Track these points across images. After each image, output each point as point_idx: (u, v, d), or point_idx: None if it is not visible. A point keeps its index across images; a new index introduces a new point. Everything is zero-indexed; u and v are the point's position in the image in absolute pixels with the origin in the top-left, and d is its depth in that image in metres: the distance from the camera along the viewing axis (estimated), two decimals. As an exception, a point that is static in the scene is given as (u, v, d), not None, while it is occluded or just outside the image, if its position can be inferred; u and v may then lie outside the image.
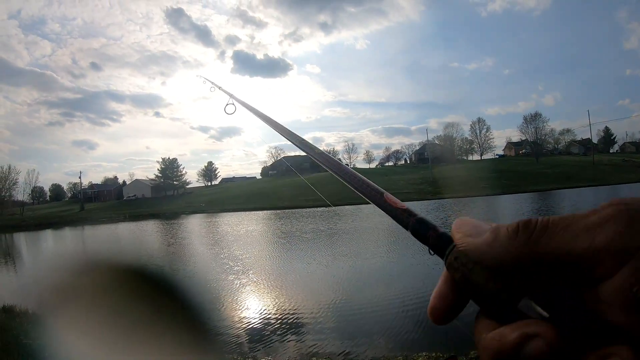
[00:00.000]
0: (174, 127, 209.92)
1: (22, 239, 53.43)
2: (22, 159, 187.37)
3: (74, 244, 43.38)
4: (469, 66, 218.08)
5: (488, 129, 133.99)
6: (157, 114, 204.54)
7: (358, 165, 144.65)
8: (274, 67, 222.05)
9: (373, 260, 19.20)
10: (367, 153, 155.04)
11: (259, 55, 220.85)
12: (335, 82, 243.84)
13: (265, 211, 64.81)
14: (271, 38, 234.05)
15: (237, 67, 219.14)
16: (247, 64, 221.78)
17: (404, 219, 0.60)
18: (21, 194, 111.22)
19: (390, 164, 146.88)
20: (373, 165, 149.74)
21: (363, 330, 9.90)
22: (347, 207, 44.85)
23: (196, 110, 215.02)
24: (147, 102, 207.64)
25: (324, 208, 51.88)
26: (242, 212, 66.38)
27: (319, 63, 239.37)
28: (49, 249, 41.40)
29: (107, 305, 0.96)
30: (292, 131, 1.16)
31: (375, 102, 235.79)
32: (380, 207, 0.66)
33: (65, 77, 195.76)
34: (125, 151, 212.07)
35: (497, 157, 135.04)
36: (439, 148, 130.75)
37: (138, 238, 41.93)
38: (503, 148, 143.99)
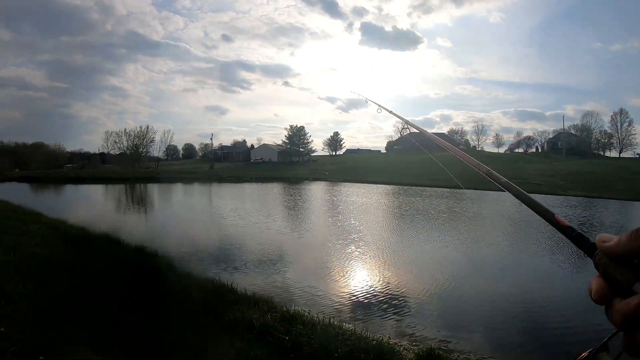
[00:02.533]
0: (302, 97, 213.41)
1: (154, 189, 56.92)
2: (160, 120, 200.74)
3: (201, 197, 44.91)
4: (613, 47, 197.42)
5: (630, 123, 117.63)
6: (285, 84, 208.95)
7: (486, 149, 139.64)
8: (402, 40, 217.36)
9: (497, 251, 17.77)
10: (497, 137, 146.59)
11: (387, 27, 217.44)
12: (467, 57, 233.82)
13: (387, 185, 63.33)
14: (399, 9, 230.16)
15: (365, 39, 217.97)
16: (375, 35, 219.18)
17: (569, 233, 0.84)
18: (157, 151, 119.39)
19: (520, 150, 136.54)
20: (502, 150, 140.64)
21: (466, 323, 9.41)
22: (472, 190, 43.22)
23: (324, 81, 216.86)
24: (276, 72, 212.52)
25: (449, 189, 49.93)
26: (364, 184, 65.93)
27: (450, 36, 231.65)
28: (178, 200, 43.11)
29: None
30: (473, 158, 1.24)
31: (509, 81, 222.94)
32: (552, 225, 0.88)
33: (198, 48, 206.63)
34: (255, 117, 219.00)
35: (637, 156, 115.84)
36: (574, 139, 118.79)
37: (262, 198, 42.47)
38: None
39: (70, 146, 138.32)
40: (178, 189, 58.42)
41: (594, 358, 0.81)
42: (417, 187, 57.97)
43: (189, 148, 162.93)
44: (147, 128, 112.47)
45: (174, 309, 6.28)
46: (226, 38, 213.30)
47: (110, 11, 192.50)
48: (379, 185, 63.07)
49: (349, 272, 13.36)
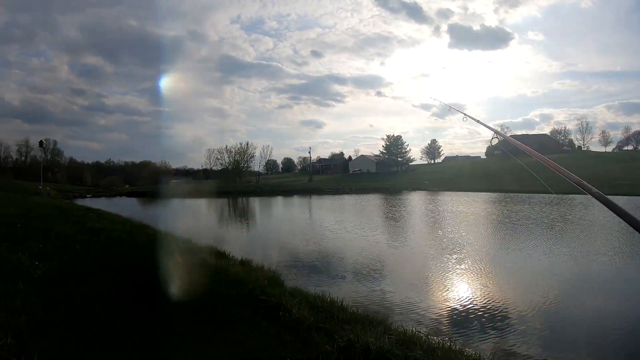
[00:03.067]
0: (395, 106, 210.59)
1: (256, 202, 58.02)
2: (258, 137, 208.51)
3: (302, 210, 45.07)
4: None
5: None
6: (378, 94, 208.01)
7: (592, 149, 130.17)
8: (492, 38, 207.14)
9: (612, 266, 15.46)
10: (603, 134, 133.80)
11: (475, 27, 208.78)
12: (562, 50, 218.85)
13: (490, 193, 61.00)
14: (485, 7, 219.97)
15: (454, 42, 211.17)
16: (463, 37, 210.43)
17: None
18: (257, 166, 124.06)
19: (630, 148, 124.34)
20: (609, 148, 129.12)
21: (574, 344, 8.37)
22: (583, 196, 39.74)
23: (417, 87, 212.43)
24: (367, 83, 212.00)
25: (557, 195, 45.25)
26: (466, 192, 64.02)
27: (541, 29, 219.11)
28: (279, 212, 43.49)
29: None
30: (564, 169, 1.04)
31: (609, 71, 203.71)
32: None
33: (290, 66, 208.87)
34: (350, 129, 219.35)
35: None
36: None
37: (363, 209, 41.96)
38: None
39: (175, 163, 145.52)
40: (278, 201, 59.27)
41: None
42: (523, 194, 54.52)
43: (287, 162, 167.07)
44: (247, 144, 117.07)
45: (286, 326, 5.83)
46: (315, 54, 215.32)
47: (204, 39, 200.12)
48: (481, 193, 60.96)
49: (458, 286, 12.53)
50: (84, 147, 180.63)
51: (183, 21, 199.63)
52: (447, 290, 11.99)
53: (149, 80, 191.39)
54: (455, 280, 13.10)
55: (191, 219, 35.94)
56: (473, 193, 62.12)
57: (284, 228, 28.58)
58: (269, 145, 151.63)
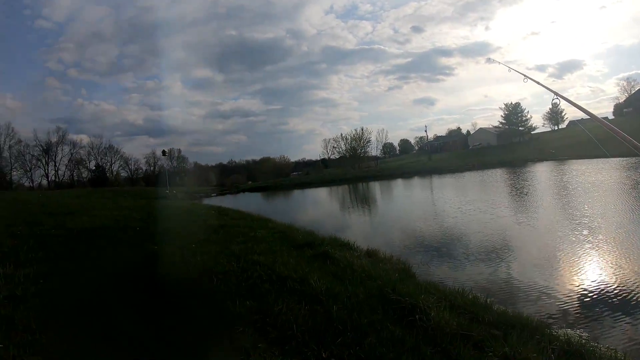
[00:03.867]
0: (508, 72, 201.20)
1: (377, 187, 57.66)
2: (371, 122, 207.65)
3: (421, 193, 43.68)
4: None
5: None
6: (488, 61, 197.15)
7: None
8: None
9: None
10: None
11: None
12: None
13: (626, 158, 56.05)
14: None
15: None
16: None
17: None
18: (374, 150, 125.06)
19: None
20: None
21: None
22: None
23: (528, 49, 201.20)
24: (475, 51, 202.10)
25: None
26: (599, 159, 58.37)
27: None
28: (402, 196, 42.52)
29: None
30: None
31: None
32: None
33: (392, 46, 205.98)
34: (464, 103, 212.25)
35: None
36: None
37: (495, 187, 39.89)
38: None
39: (294, 157, 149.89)
40: (399, 184, 58.36)
41: None
42: None
43: (404, 143, 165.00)
44: (362, 130, 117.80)
45: (425, 333, 5.00)
46: (416, 29, 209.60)
47: (302, 35, 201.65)
48: (615, 159, 56.22)
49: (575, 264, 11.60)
50: (207, 152, 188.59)
51: (278, 22, 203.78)
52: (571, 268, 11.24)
53: (258, 82, 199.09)
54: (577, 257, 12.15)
55: (313, 209, 36.11)
56: (608, 160, 57.26)
57: (406, 212, 27.69)
58: (383, 129, 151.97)
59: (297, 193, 60.07)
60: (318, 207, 38.93)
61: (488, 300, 6.84)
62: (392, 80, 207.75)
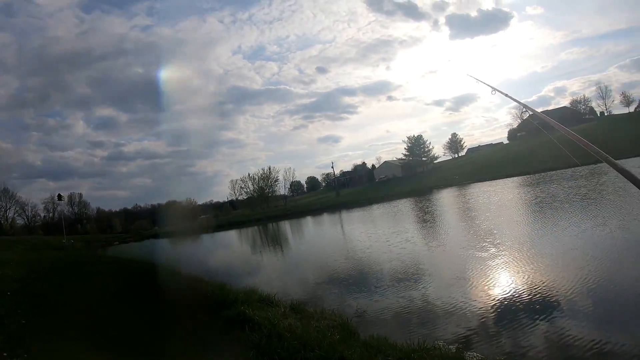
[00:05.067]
0: (408, 107, 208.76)
1: (287, 226, 56.71)
2: (279, 161, 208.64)
3: (335, 228, 42.97)
4: None
5: None
6: (389, 98, 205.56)
7: (615, 112, 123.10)
8: (492, 21, 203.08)
9: None
10: (624, 95, 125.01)
11: (473, 13, 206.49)
12: (563, 18, 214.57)
13: (521, 177, 59.83)
14: None
15: (454, 33, 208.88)
16: (462, 26, 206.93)
17: None
18: (282, 189, 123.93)
19: None
20: (632, 108, 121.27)
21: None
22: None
23: (426, 86, 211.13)
24: (377, 89, 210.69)
25: (588, 165, 43.51)
26: (497, 180, 63.32)
27: (538, 2, 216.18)
28: (313, 234, 41.42)
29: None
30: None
31: (615, 30, 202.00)
32: None
33: (298, 86, 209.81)
34: (367, 138, 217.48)
35: None
36: None
37: (395, 216, 39.99)
38: None
39: (201, 199, 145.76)
40: (308, 222, 57.80)
41: None
42: (552, 172, 53.93)
43: (311, 180, 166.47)
44: (270, 169, 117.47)
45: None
46: (321, 70, 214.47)
47: (209, 74, 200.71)
48: (512, 179, 59.82)
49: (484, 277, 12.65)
50: (110, 196, 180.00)
51: (186, 61, 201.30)
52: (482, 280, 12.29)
53: (163, 122, 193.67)
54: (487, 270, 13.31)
55: (223, 254, 34.22)
56: (505, 180, 61.64)
57: (320, 250, 26.90)
58: (290, 168, 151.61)
59: (205, 237, 57.87)
60: (228, 252, 37.01)
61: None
62: (298, 119, 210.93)
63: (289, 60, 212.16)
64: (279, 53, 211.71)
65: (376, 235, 26.57)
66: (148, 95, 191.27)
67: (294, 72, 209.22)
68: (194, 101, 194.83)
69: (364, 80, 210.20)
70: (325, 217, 60.34)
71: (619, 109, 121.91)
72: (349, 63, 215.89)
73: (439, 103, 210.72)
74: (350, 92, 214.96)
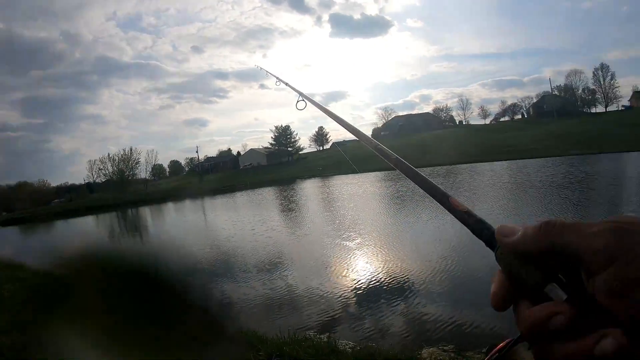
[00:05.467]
0: (279, 97, 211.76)
1: (146, 212, 54.82)
2: (141, 142, 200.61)
3: (198, 215, 42.43)
4: (583, 5, 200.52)
5: (613, 76, 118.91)
6: (262, 86, 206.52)
7: (472, 122, 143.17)
8: (373, 26, 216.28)
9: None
10: (482, 108, 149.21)
11: (356, 16, 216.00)
12: (439, 35, 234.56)
13: (382, 172, 62.99)
14: None
15: (335, 31, 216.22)
16: (344, 26, 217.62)
17: (465, 219, 0.72)
18: (144, 172, 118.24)
19: (506, 119, 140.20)
20: (488, 120, 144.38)
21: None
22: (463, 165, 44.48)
23: (300, 78, 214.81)
24: (251, 76, 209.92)
25: (444, 166, 50.73)
26: (359, 174, 64.66)
27: (420, 16, 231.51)
28: (176, 222, 40.52)
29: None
30: (364, 133, 1.22)
31: (483, 53, 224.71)
32: (446, 208, 0.77)
33: (170, 63, 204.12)
34: (236, 124, 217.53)
35: (623, 108, 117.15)
36: (559, 100, 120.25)
37: (259, 203, 40.56)
38: (629, 98, 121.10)
39: (56, 181, 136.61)
40: (170, 209, 56.04)
41: (510, 351, 0.82)
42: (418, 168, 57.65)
43: (174, 164, 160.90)
44: (131, 150, 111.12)
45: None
46: (196, 49, 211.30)
47: (77, 39, 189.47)
48: (375, 173, 62.69)
49: (345, 265, 13.23)
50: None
51: (54, 20, 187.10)
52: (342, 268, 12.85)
53: (20, 89, 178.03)
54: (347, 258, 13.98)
55: (75, 245, 32.55)
56: (367, 174, 63.34)
57: (183, 240, 26.07)
58: (153, 150, 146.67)
59: (60, 225, 54.04)
60: (83, 239, 35.19)
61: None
62: (165, 99, 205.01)
63: (164, 34, 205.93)
64: (155, 26, 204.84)
65: (241, 223, 26.57)
66: (6, 55, 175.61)
67: (168, 48, 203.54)
68: (55, 67, 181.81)
69: (238, 65, 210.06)
70: (188, 204, 59.12)
71: (476, 120, 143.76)
72: (227, 46, 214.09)
73: (310, 96, 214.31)
74: (223, 75, 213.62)
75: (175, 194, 75.64)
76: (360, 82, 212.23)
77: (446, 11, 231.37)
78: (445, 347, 6.75)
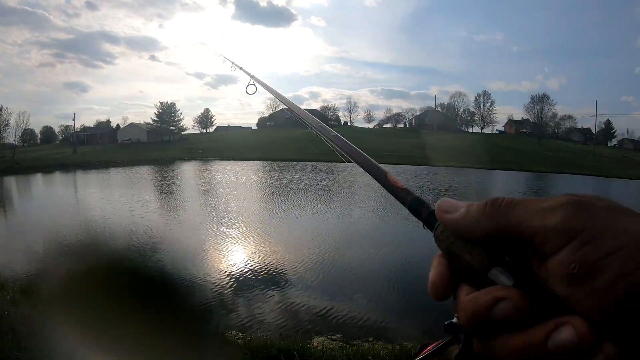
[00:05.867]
0: (168, 72, 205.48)
1: (12, 184, 49.39)
2: (13, 100, 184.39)
3: (65, 191, 39.92)
4: (478, 37, 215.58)
5: (492, 104, 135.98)
6: (152, 58, 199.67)
7: (357, 125, 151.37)
8: (277, 16, 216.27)
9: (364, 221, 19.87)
10: (368, 113, 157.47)
11: (263, 3, 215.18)
12: (339, 38, 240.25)
13: (263, 162, 63.99)
14: None
15: (239, 14, 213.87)
16: (249, 10, 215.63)
17: (403, 196, 0.66)
18: (12, 137, 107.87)
19: (389, 126, 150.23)
20: (371, 125, 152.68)
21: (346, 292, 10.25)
22: (343, 164, 44.46)
23: (193, 56, 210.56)
24: (142, 45, 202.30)
25: (328, 163, 51.41)
26: (241, 161, 66.28)
27: (324, 16, 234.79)
28: (46, 197, 38.03)
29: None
30: (310, 114, 1.22)
31: (378, 62, 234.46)
32: (383, 185, 0.72)
33: (58, 16, 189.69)
34: (118, 94, 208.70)
35: (497, 132, 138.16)
36: (440, 116, 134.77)
37: (135, 183, 39.41)
38: (503, 125, 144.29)
39: None
40: (38, 180, 51.97)
41: (440, 352, 0.79)
42: (295, 162, 60.38)
43: (47, 131, 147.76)
44: (0, 109, 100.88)
45: None
46: (90, 5, 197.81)
47: None
48: (256, 162, 63.41)
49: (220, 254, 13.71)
50: None
51: None
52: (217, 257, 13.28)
53: None
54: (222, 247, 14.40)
55: None
56: (247, 162, 65.18)
57: (54, 220, 24.43)
58: (25, 112, 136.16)
59: None
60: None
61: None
62: (47, 55, 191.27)
63: None
64: None
65: (119, 202, 25.50)
66: None
67: None
68: None
69: (131, 31, 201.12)
70: (59, 176, 55.52)
71: (360, 123, 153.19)
72: (123, 7, 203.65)
73: (199, 76, 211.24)
74: (114, 39, 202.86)
75: (45, 165, 71.20)
76: (253, 70, 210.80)
77: (351, 16, 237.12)
78: (333, 337, 7.29)
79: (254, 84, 1.97)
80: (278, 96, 1.62)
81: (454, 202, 0.56)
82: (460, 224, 0.53)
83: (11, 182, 49.04)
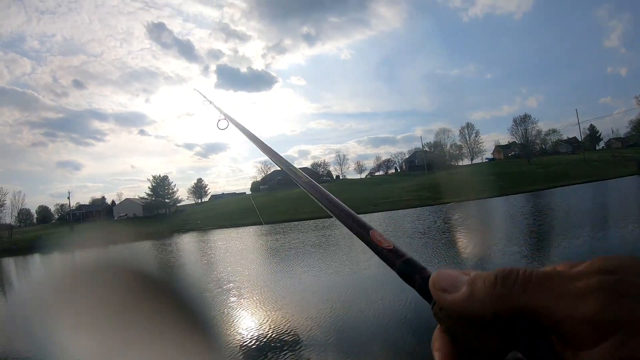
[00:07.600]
0: (158, 145, 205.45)
1: (11, 266, 49.84)
2: (7, 181, 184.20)
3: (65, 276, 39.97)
4: (452, 72, 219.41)
5: (477, 134, 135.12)
6: (141, 132, 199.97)
7: (349, 177, 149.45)
8: (258, 81, 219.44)
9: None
10: (358, 164, 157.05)
11: (243, 69, 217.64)
12: (320, 94, 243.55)
13: (262, 226, 63.92)
14: (254, 51, 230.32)
15: (221, 82, 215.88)
16: (230, 78, 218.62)
17: (391, 259, 0.57)
18: (9, 217, 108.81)
19: (381, 173, 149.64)
20: (363, 175, 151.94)
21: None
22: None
23: (180, 127, 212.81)
24: (130, 120, 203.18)
25: (323, 219, 50.67)
26: (239, 228, 66.23)
27: (303, 75, 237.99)
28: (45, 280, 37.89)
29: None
30: (282, 156, 1.22)
31: (360, 112, 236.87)
32: (366, 244, 0.63)
33: (47, 95, 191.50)
34: (111, 171, 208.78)
35: (487, 160, 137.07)
36: (429, 155, 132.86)
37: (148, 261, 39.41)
38: (492, 152, 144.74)
39: None
40: (36, 262, 51.54)
41: None
42: (293, 223, 59.33)
43: (43, 211, 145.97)
44: None
45: None
46: (77, 84, 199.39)
47: None
48: (254, 227, 63.21)
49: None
50: None
51: None
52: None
53: None
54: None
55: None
56: (245, 227, 65.40)
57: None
58: (20, 192, 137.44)
59: None
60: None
61: None
62: (38, 135, 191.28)
63: (46, 63, 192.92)
64: (38, 51, 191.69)
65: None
66: None
67: (47, 79, 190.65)
68: None
69: (119, 108, 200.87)
70: (58, 258, 54.76)
71: (352, 175, 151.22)
72: (109, 85, 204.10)
73: (189, 147, 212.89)
74: (102, 116, 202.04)
75: (43, 244, 71.08)
76: (240, 135, 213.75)
77: (328, 72, 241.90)
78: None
79: (225, 119, 2.04)
80: (246, 133, 1.70)
81: (453, 277, 0.48)
82: (464, 307, 0.45)
83: (10, 264, 49.31)
